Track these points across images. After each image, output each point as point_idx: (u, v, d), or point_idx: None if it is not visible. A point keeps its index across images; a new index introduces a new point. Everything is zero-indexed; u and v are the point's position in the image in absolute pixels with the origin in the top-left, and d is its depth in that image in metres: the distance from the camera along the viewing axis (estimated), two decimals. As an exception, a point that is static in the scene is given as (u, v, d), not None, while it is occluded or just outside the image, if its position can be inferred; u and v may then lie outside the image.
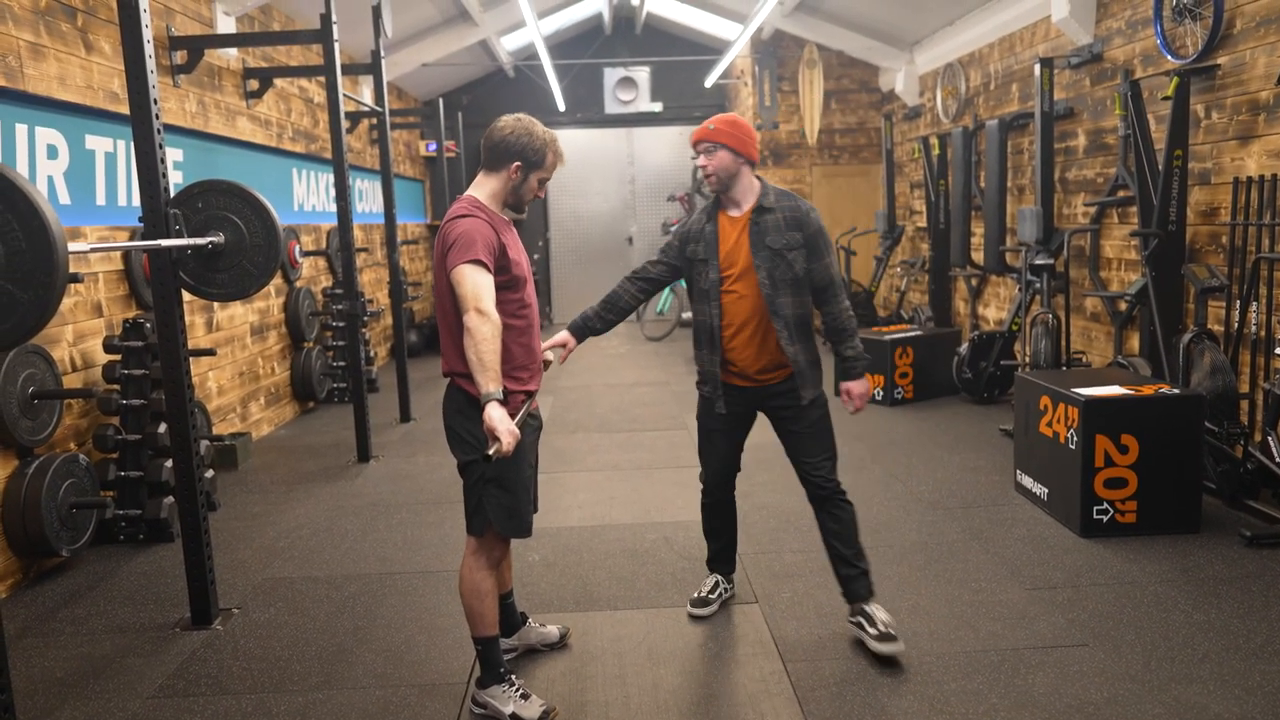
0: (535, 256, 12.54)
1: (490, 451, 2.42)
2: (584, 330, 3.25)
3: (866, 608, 3.10)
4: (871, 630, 3.04)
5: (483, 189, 2.74)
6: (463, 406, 2.70)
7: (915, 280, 9.59)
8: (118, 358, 4.44)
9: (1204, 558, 3.77)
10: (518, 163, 2.70)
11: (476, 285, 2.51)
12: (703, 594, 3.47)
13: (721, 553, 3.52)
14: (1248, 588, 3.46)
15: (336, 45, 5.40)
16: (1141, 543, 3.95)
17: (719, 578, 3.53)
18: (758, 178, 3.18)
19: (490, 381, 2.46)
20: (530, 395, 2.78)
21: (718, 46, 11.65)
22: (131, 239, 4.73)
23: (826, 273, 3.13)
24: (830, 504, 3.19)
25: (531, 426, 2.81)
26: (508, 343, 2.67)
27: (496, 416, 2.43)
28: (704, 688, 2.91)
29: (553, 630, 3.21)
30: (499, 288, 2.62)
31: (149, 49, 3.19)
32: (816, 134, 10.51)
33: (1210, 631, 3.14)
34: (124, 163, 4.76)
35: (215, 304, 5.83)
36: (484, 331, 2.47)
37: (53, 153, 4.22)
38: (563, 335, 3.19)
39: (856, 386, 3.19)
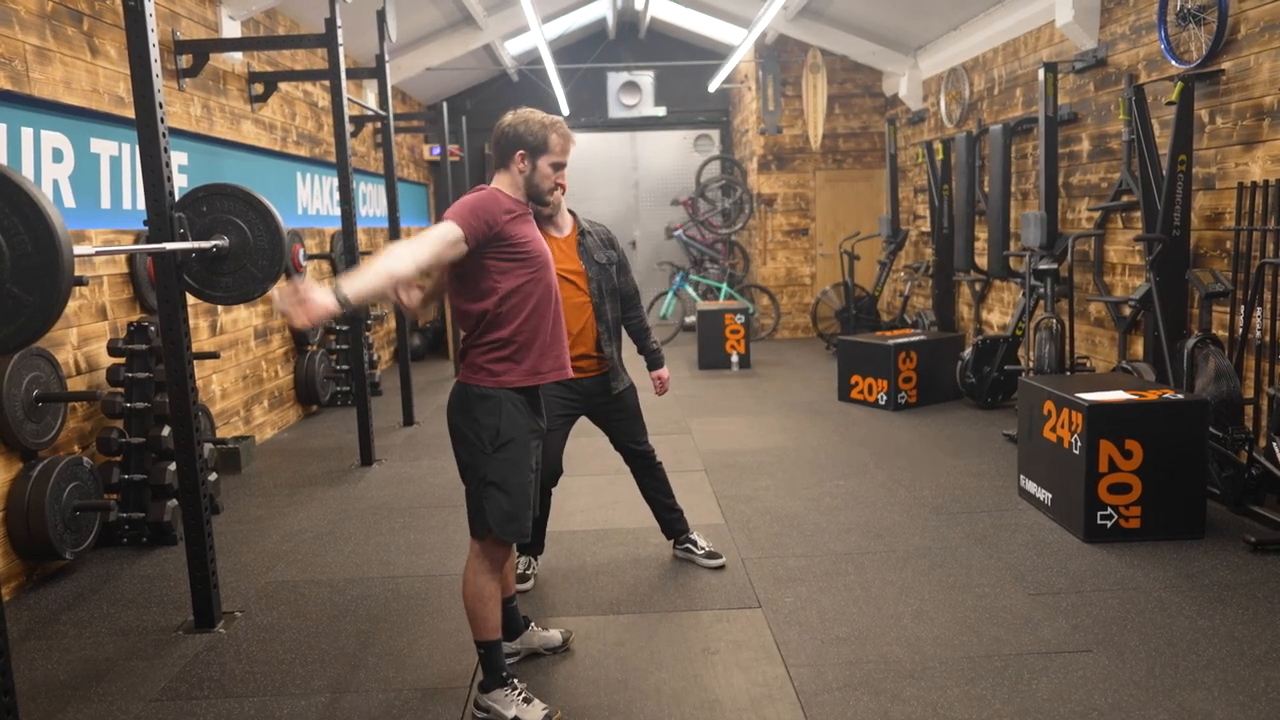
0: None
1: (275, 295, 2.19)
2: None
3: (690, 536, 3.95)
4: (699, 551, 3.90)
5: (500, 183, 2.76)
6: (466, 405, 2.70)
7: (918, 285, 9.59)
8: (122, 361, 4.45)
9: (1208, 563, 3.75)
10: (521, 151, 2.70)
11: (432, 231, 2.54)
12: (519, 570, 3.73)
13: (540, 532, 3.80)
14: (1252, 594, 3.45)
15: (341, 49, 5.41)
16: (1146, 548, 3.95)
17: (531, 558, 3.81)
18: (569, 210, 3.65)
19: (347, 284, 2.32)
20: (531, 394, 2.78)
21: (721, 51, 11.66)
22: (136, 242, 4.74)
23: (632, 284, 3.79)
24: (651, 468, 3.91)
25: (535, 432, 2.81)
26: (531, 329, 2.69)
27: (314, 293, 2.24)
28: (706, 692, 2.90)
29: (555, 634, 3.20)
30: (514, 260, 2.64)
31: (154, 53, 3.20)
32: (820, 138, 10.52)
33: (1215, 637, 3.13)
34: (129, 166, 4.77)
35: (219, 307, 5.84)
36: (396, 251, 2.45)
37: (58, 156, 4.23)
38: None
39: (665, 372, 3.90)
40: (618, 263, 3.70)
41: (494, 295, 2.64)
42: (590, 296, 3.58)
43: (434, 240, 2.52)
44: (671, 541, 4.03)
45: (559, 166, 2.75)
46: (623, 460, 3.93)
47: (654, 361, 3.90)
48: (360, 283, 2.35)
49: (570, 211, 3.62)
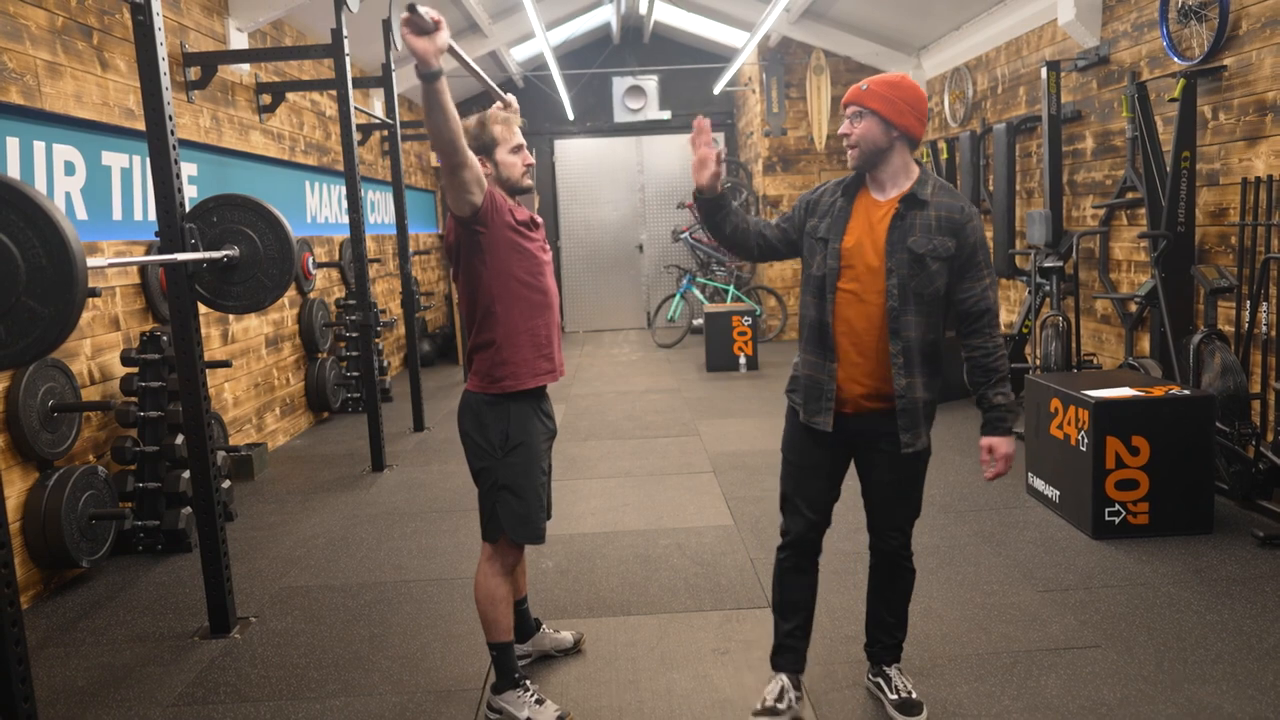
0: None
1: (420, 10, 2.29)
2: (723, 197, 2.63)
3: (889, 670, 2.79)
4: (892, 695, 2.72)
5: None
6: (475, 411, 2.73)
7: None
8: (135, 370, 4.49)
9: (1216, 558, 3.76)
10: (479, 157, 2.73)
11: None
12: (767, 702, 2.69)
13: (794, 634, 2.74)
14: (1260, 588, 3.46)
15: (348, 59, 5.46)
16: (1154, 544, 3.95)
17: (785, 679, 2.73)
18: (918, 163, 2.56)
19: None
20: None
21: (725, 54, 11.69)
22: (148, 253, 4.79)
23: (982, 298, 2.51)
24: (895, 568, 2.73)
25: (545, 434, 2.84)
26: (522, 323, 2.70)
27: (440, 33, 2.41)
28: (717, 692, 2.92)
29: (566, 636, 3.23)
30: (514, 233, 2.67)
31: (164, 66, 3.24)
32: (824, 139, 10.53)
33: (1223, 632, 3.14)
34: (140, 178, 4.82)
35: (230, 316, 5.89)
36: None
37: (70, 169, 4.28)
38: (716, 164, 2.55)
39: (1003, 445, 2.52)
40: (951, 257, 2.48)
41: (487, 280, 2.66)
42: (886, 298, 2.48)
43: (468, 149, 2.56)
44: (868, 669, 2.88)
45: (517, 149, 2.77)
46: (869, 546, 2.77)
47: (994, 423, 2.54)
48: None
49: (921, 165, 2.57)
